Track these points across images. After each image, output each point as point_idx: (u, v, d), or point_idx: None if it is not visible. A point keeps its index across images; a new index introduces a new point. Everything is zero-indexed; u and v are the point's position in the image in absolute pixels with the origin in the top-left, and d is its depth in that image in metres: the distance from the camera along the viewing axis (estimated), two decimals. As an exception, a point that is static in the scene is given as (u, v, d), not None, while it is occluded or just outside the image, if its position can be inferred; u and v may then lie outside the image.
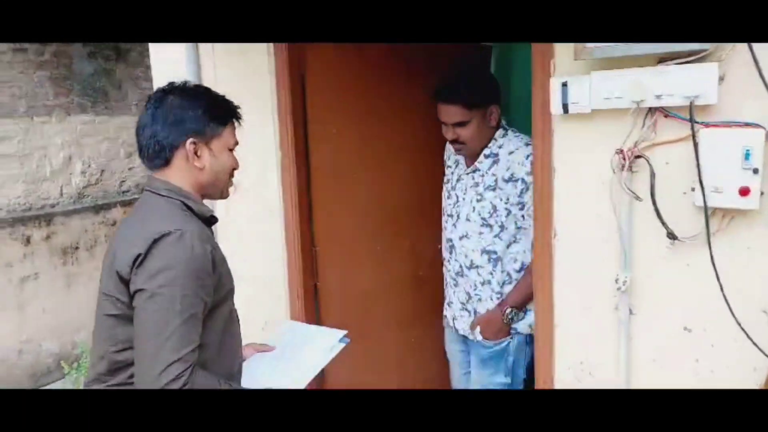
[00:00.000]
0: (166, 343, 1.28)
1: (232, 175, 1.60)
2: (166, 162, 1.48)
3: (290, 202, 2.38)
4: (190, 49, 2.48)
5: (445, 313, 2.43)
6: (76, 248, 4.33)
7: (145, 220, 1.42)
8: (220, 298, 1.45)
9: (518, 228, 2.14)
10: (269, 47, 2.34)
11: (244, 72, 2.44)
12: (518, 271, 2.18)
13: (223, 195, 1.61)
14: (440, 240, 2.78)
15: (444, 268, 2.36)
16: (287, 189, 2.38)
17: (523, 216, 2.12)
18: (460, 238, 2.21)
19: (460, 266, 2.23)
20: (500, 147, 2.15)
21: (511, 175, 2.11)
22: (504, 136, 2.17)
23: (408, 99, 2.59)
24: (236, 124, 1.59)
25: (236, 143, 1.59)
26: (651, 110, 1.72)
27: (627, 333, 1.85)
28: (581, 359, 1.95)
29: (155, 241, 1.33)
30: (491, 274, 2.18)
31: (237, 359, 1.57)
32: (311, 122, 2.40)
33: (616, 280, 1.83)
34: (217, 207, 2.54)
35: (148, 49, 4.73)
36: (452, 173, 2.28)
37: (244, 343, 1.68)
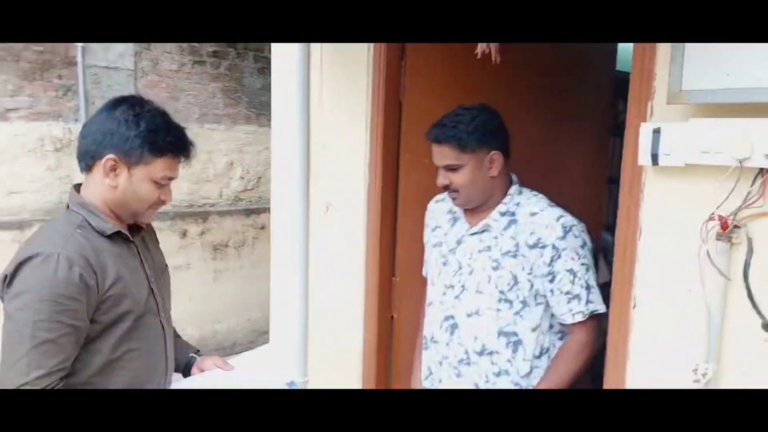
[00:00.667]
0: (15, 366, 1.28)
1: (153, 206, 1.49)
2: (88, 168, 1.45)
3: (373, 229, 2.34)
4: (301, 62, 2.53)
5: None
6: (226, 246, 4.71)
7: (32, 239, 1.44)
8: (110, 320, 1.40)
9: (540, 305, 1.76)
10: (368, 67, 2.31)
11: (346, 92, 2.45)
12: (538, 358, 1.78)
13: (137, 220, 1.51)
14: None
15: (429, 353, 1.91)
16: (372, 215, 2.34)
17: (552, 291, 1.74)
18: (468, 316, 1.79)
19: (466, 352, 1.80)
20: (518, 205, 1.79)
21: (537, 240, 1.73)
22: (520, 194, 1.82)
23: (519, 101, 2.39)
24: (180, 159, 1.49)
25: (169, 178, 1.47)
26: (762, 171, 1.40)
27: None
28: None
29: (20, 264, 1.33)
30: (510, 362, 1.76)
31: (141, 382, 1.48)
32: (404, 150, 2.33)
33: (695, 371, 1.51)
34: (312, 234, 2.59)
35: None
36: (445, 234, 1.89)
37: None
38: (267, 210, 4.85)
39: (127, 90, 4.18)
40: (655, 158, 1.55)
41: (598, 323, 1.76)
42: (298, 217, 2.61)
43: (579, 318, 1.74)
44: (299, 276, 2.66)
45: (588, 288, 1.73)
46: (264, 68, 4.79)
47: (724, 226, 1.44)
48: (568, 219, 1.74)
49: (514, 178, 1.86)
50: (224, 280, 4.74)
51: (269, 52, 4.83)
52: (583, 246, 1.74)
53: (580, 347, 1.76)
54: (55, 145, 3.92)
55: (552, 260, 1.72)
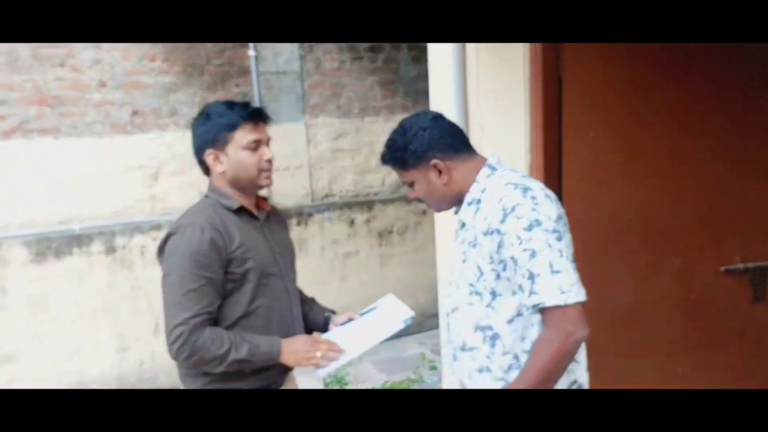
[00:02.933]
0: (170, 311, 1.65)
1: (263, 168, 1.77)
2: (206, 171, 1.81)
3: (538, 206, 2.34)
4: (458, 49, 2.61)
5: None
6: (390, 232, 4.91)
7: (179, 218, 1.77)
8: (238, 275, 1.71)
9: (515, 295, 1.53)
10: (525, 47, 2.32)
11: (500, 72, 2.48)
12: (525, 352, 1.57)
13: (259, 186, 1.80)
14: (724, 261, 2.41)
15: (442, 354, 1.84)
16: (537, 193, 2.35)
17: (509, 280, 1.52)
18: (453, 311, 1.68)
19: (454, 349, 1.69)
20: (483, 191, 1.61)
21: (488, 226, 1.54)
22: (489, 176, 1.62)
23: (685, 101, 2.30)
24: (255, 123, 1.76)
25: (256, 141, 1.75)
26: None
27: None
28: None
29: (168, 235, 1.72)
30: (489, 357, 1.60)
31: (272, 327, 1.77)
32: (566, 125, 2.30)
33: None
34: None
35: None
36: (456, 232, 1.77)
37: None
38: (428, 195, 4.99)
39: (296, 92, 4.51)
40: None
41: (560, 316, 1.45)
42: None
43: (529, 312, 1.50)
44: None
45: (531, 277, 1.45)
46: (419, 56, 4.91)
47: None
48: (512, 198, 1.50)
49: (492, 159, 1.67)
50: (390, 265, 4.95)
51: (422, 41, 4.97)
52: (529, 227, 1.46)
53: (541, 342, 1.49)
54: (237, 147, 4.35)
55: (498, 248, 1.51)
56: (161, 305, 1.70)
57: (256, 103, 4.26)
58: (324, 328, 1.97)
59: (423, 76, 4.97)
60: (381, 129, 4.85)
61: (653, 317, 2.41)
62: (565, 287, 1.44)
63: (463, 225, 1.66)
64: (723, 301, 2.43)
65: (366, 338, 1.86)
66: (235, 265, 1.70)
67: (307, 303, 2.00)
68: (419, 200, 1.72)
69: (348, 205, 4.73)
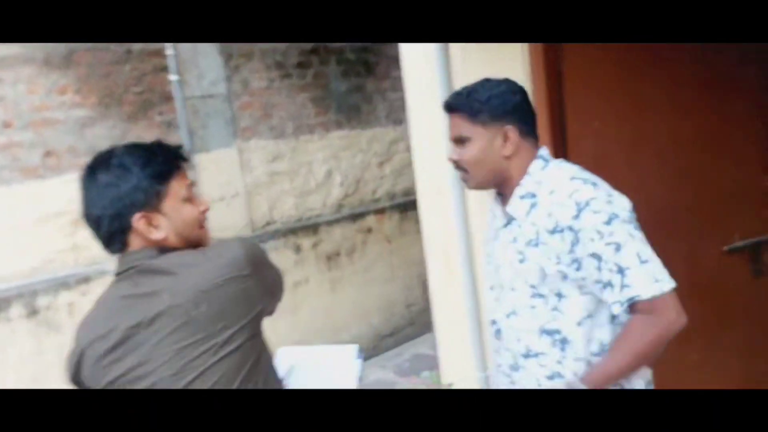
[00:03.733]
0: None
1: (201, 223, 1.37)
2: (124, 246, 1.32)
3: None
4: (439, 51, 2.48)
5: None
6: (338, 254, 4.68)
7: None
8: None
9: (587, 294, 1.46)
10: (523, 47, 2.24)
11: (495, 71, 2.37)
12: (598, 355, 1.49)
13: (199, 244, 1.37)
14: (726, 241, 2.42)
15: (495, 364, 1.71)
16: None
17: (584, 279, 1.44)
18: (507, 317, 1.56)
19: (514, 357, 1.57)
20: (539, 183, 1.52)
21: (556, 223, 1.44)
22: (544, 168, 1.53)
23: (681, 90, 2.31)
24: (181, 166, 1.36)
25: (189, 186, 1.35)
26: None
27: None
28: None
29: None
30: (560, 363, 1.50)
31: None
32: (570, 118, 2.24)
33: None
34: (471, 218, 2.53)
35: (392, 61, 4.99)
36: (492, 230, 1.66)
37: None
38: (371, 213, 4.82)
39: (225, 115, 4.20)
40: None
41: (662, 304, 1.40)
42: (455, 204, 2.55)
43: (617, 309, 1.42)
44: (462, 267, 2.59)
45: (621, 271, 1.39)
46: (347, 70, 4.76)
47: None
48: (584, 192, 1.43)
49: (543, 151, 1.57)
50: (341, 289, 4.72)
51: (350, 53, 4.81)
52: (608, 221, 1.39)
53: (639, 326, 1.42)
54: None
55: (572, 245, 1.42)
56: None
57: (182, 132, 3.92)
58: None
59: (353, 89, 4.83)
60: (317, 147, 4.63)
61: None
62: (658, 275, 1.40)
63: (510, 221, 1.55)
64: (727, 280, 2.44)
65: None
66: None
67: None
68: (457, 165, 1.56)
69: (292, 230, 4.46)
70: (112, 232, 1.30)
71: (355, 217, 4.74)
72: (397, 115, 5.03)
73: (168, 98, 3.98)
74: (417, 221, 5.06)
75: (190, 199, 1.36)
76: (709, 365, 2.42)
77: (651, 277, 1.39)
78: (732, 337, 2.46)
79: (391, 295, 4.97)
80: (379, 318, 4.92)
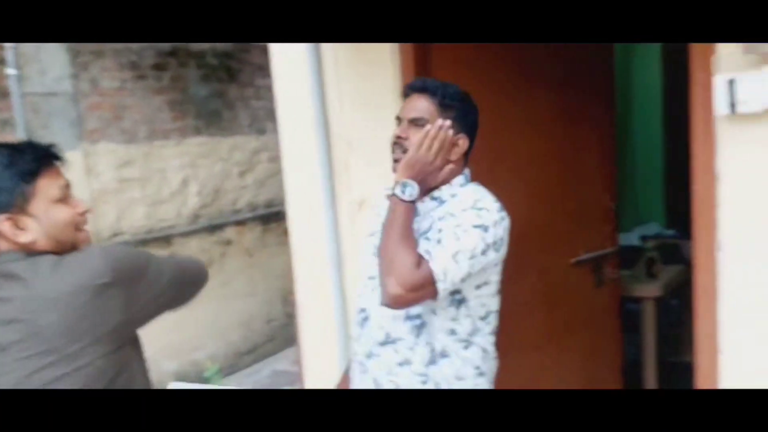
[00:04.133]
0: None
1: (78, 226, 1.32)
2: None
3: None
4: (312, 66, 2.47)
5: None
6: (194, 267, 4.47)
7: None
8: None
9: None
10: (393, 47, 2.28)
11: (366, 72, 2.41)
12: (442, 356, 1.56)
13: (76, 247, 1.31)
14: (573, 254, 2.64)
15: (352, 352, 1.75)
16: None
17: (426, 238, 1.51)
18: (380, 305, 1.54)
19: (371, 344, 1.61)
20: (453, 196, 1.59)
21: (445, 212, 1.54)
22: (463, 185, 1.61)
23: (537, 106, 2.47)
24: (53, 165, 1.29)
25: (63, 186, 1.29)
26: (838, 106, 1.52)
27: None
28: (754, 382, 1.75)
29: None
30: (412, 349, 1.55)
31: None
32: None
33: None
34: (343, 232, 2.53)
35: (257, 69, 4.89)
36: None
37: None
38: (231, 224, 4.66)
39: (70, 116, 3.85)
40: (732, 107, 1.65)
41: (421, 276, 1.42)
42: (326, 215, 2.54)
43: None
44: (332, 279, 2.58)
45: (439, 242, 1.46)
46: (208, 75, 4.58)
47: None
48: (486, 203, 1.53)
49: (466, 171, 1.66)
50: (197, 305, 4.46)
51: (212, 57, 4.63)
52: (478, 226, 1.48)
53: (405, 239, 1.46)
54: (1, 184, 3.55)
55: (440, 219, 1.53)
56: None
57: (20, 131, 3.55)
58: None
59: (214, 95, 4.66)
60: (172, 154, 4.39)
61: (522, 315, 2.52)
62: (449, 274, 1.43)
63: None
64: (574, 291, 2.66)
65: None
66: None
67: None
68: (400, 144, 1.57)
69: (142, 242, 4.17)
70: None
71: (213, 228, 4.55)
72: (260, 125, 4.92)
73: (4, 94, 3.57)
74: (279, 233, 4.98)
75: (63, 200, 1.28)
76: (559, 366, 2.62)
77: (445, 265, 1.42)
78: (578, 341, 2.68)
79: (250, 310, 4.82)
80: (238, 334, 4.76)
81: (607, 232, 2.71)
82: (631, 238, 3.92)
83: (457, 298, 1.55)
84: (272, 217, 4.93)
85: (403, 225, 1.48)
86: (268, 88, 4.94)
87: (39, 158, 1.26)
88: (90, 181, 3.90)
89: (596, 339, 2.75)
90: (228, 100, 4.75)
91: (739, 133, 1.68)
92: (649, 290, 3.17)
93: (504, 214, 1.56)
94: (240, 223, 4.71)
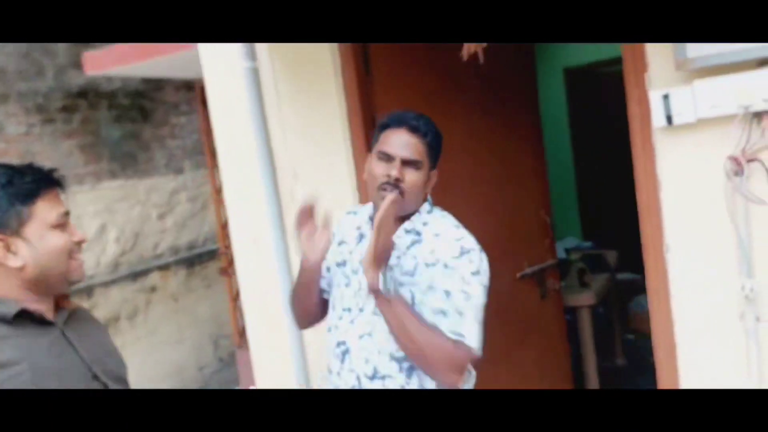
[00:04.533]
0: None
1: (73, 256, 1.27)
2: None
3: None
4: (253, 100, 2.45)
5: None
6: (117, 319, 4.21)
7: None
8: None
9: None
10: (333, 48, 2.30)
11: (309, 101, 2.41)
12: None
13: (71, 281, 1.28)
14: (518, 269, 2.73)
15: (327, 385, 1.73)
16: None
17: (423, 303, 1.53)
18: (360, 337, 1.58)
19: (357, 378, 1.58)
20: (425, 224, 1.61)
21: (436, 259, 1.54)
22: (429, 212, 1.65)
23: (481, 142, 2.58)
24: (54, 190, 1.26)
25: (62, 213, 1.26)
26: (757, 114, 1.70)
27: (757, 342, 1.79)
28: (710, 376, 1.88)
29: None
30: (403, 387, 1.56)
31: None
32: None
33: (743, 288, 1.77)
34: (293, 260, 2.49)
35: (171, 108, 4.75)
36: (350, 252, 1.67)
37: None
38: (153, 269, 4.45)
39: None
40: (669, 119, 1.80)
41: (463, 355, 1.49)
42: (275, 250, 2.50)
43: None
44: (285, 313, 2.53)
45: (460, 314, 1.50)
46: (120, 116, 4.39)
47: (743, 162, 1.72)
48: (470, 242, 1.57)
49: (428, 197, 1.68)
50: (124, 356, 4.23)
51: (123, 97, 4.45)
52: (475, 273, 1.53)
53: (437, 342, 1.48)
54: None
55: (436, 277, 1.53)
56: None
57: None
58: None
59: (128, 136, 4.48)
60: (87, 199, 4.15)
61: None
62: (476, 334, 1.53)
63: None
64: (522, 304, 2.75)
65: None
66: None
67: None
68: (396, 185, 1.53)
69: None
70: None
71: (136, 275, 4.33)
72: (177, 164, 4.77)
73: None
74: (204, 277, 4.82)
75: (61, 227, 1.24)
76: (514, 379, 2.69)
77: (476, 333, 1.52)
78: (530, 353, 2.77)
79: (180, 358, 4.60)
80: (169, 385, 4.51)
81: (547, 244, 2.84)
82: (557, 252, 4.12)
83: None
84: (195, 259, 4.76)
85: (406, 315, 1.48)
86: (183, 126, 4.87)
87: (39, 180, 1.23)
88: None
89: (546, 349, 2.86)
90: (143, 140, 4.58)
91: (676, 142, 1.83)
92: (584, 299, 3.33)
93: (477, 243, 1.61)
94: (163, 267, 4.51)
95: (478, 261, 1.55)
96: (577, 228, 5.04)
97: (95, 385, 1.29)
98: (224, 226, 3.65)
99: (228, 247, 3.57)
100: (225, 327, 4.74)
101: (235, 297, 3.67)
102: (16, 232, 1.19)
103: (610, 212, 5.09)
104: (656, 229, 1.91)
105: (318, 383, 2.51)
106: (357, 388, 1.58)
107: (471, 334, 1.50)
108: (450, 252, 1.53)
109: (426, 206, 1.65)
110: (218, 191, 3.70)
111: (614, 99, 4.90)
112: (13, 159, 3.75)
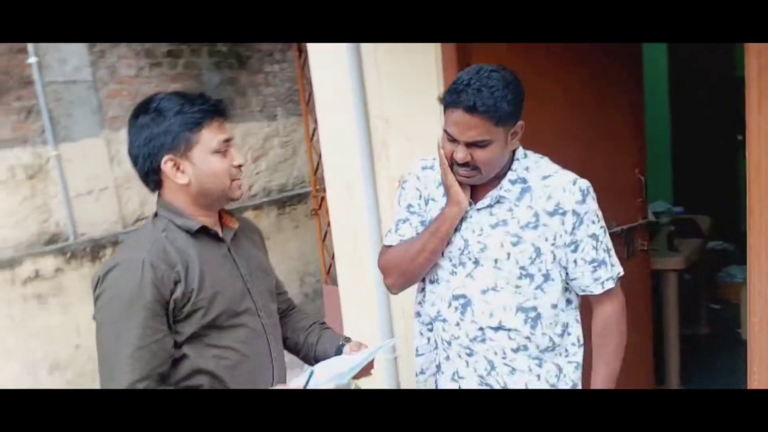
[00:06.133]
0: (112, 373, 1.32)
1: (233, 176, 1.44)
2: (158, 184, 1.43)
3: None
4: (351, 49, 2.51)
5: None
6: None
7: (119, 248, 1.47)
8: (200, 322, 1.38)
9: (560, 280, 1.59)
10: (436, 46, 2.34)
11: (406, 56, 2.45)
12: (560, 336, 1.63)
13: (230, 199, 1.47)
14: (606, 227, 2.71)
15: (423, 336, 1.75)
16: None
17: (575, 261, 1.57)
18: (483, 292, 1.59)
19: (480, 329, 1.60)
20: (527, 170, 1.59)
21: (557, 205, 1.54)
22: (526, 156, 1.62)
23: (578, 96, 2.54)
24: (220, 119, 1.42)
25: (224, 141, 1.41)
26: None
27: None
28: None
29: (106, 273, 1.35)
30: (528, 338, 1.59)
31: (240, 379, 1.44)
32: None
33: None
34: (382, 205, 2.59)
35: (266, 56, 4.91)
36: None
37: None
38: (248, 208, 4.68)
39: (91, 103, 3.86)
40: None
41: (620, 285, 1.66)
42: (366, 198, 2.60)
43: (609, 285, 1.60)
44: (373, 256, 2.65)
45: (608, 251, 1.60)
46: (219, 62, 4.59)
47: None
48: (584, 181, 1.59)
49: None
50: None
51: (223, 45, 4.64)
52: (598, 209, 1.60)
53: (619, 318, 1.66)
54: (27, 172, 3.55)
55: (574, 227, 1.54)
56: None
57: (45, 120, 3.56)
58: None
59: (226, 82, 4.67)
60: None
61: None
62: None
63: (494, 204, 1.57)
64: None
65: (349, 370, 1.54)
66: (197, 309, 1.37)
67: (313, 332, 1.68)
68: (467, 165, 1.49)
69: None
70: (146, 170, 1.41)
71: (232, 213, 4.59)
72: (271, 110, 4.94)
73: (27, 83, 3.57)
74: (293, 218, 5.04)
75: (223, 153, 1.42)
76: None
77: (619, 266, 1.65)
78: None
79: (269, 292, 4.88)
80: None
81: (638, 204, 2.80)
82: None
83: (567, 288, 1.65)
84: (286, 201, 4.97)
85: (613, 375, 1.65)
86: (276, 74, 5.02)
87: (205, 111, 1.39)
88: (113, 168, 3.91)
89: (629, 309, 2.84)
90: (239, 86, 4.76)
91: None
92: (672, 263, 3.27)
93: None
94: (256, 207, 4.75)
95: (595, 194, 1.61)
96: (669, 192, 4.89)
97: (245, 302, 1.47)
98: (315, 170, 3.78)
99: (319, 190, 3.71)
100: (310, 265, 4.96)
101: (324, 237, 3.83)
102: (184, 155, 1.38)
103: (705, 178, 4.90)
104: (764, 190, 1.85)
105: (397, 322, 2.63)
106: (480, 338, 1.61)
107: (617, 261, 1.64)
108: (572, 198, 1.55)
109: (520, 151, 1.62)
110: (311, 137, 3.82)
111: (717, 58, 4.69)
112: (126, 100, 4.03)
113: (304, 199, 4.98)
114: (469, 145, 1.48)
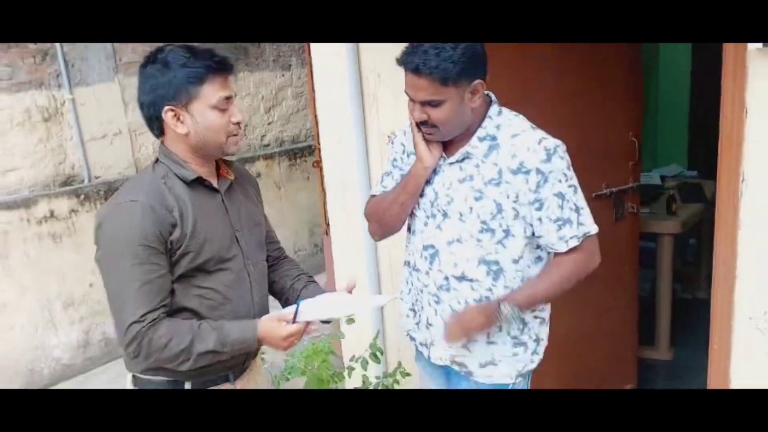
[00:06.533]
0: (123, 307, 1.42)
1: (230, 132, 1.49)
2: (161, 131, 1.50)
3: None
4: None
5: (412, 338, 1.86)
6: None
7: (119, 190, 1.52)
8: (189, 264, 1.47)
9: (525, 237, 1.61)
10: None
11: None
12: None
13: (226, 153, 1.52)
14: (595, 188, 2.70)
15: (408, 284, 1.83)
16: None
17: (540, 219, 1.59)
18: (449, 243, 1.65)
19: (446, 278, 1.67)
20: (498, 128, 1.61)
21: (520, 164, 1.56)
22: (500, 114, 1.64)
23: (573, 53, 2.49)
24: (223, 76, 1.46)
25: (226, 98, 1.46)
26: None
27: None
28: (765, 309, 1.87)
29: (107, 213, 1.46)
30: (490, 290, 1.64)
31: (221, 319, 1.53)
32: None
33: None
34: (372, 158, 2.63)
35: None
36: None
37: None
38: (260, 158, 4.75)
39: (105, 48, 3.93)
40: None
41: (592, 244, 1.65)
42: (357, 150, 2.64)
43: (573, 243, 1.60)
44: (362, 207, 2.70)
45: (577, 210, 1.60)
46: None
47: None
48: (551, 141, 1.59)
49: (493, 97, 1.66)
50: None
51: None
52: (569, 167, 1.60)
53: (576, 268, 1.64)
54: (42, 114, 3.67)
55: (538, 186, 1.56)
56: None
57: (60, 63, 3.65)
58: None
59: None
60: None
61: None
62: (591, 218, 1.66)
63: (462, 159, 1.62)
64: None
65: (340, 307, 1.65)
66: (187, 253, 1.46)
67: (300, 280, 1.76)
68: (425, 124, 1.56)
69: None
70: (149, 117, 1.49)
71: (245, 161, 4.67)
72: (285, 60, 4.96)
73: (41, 25, 3.66)
74: (304, 169, 5.10)
75: (222, 109, 1.46)
76: (579, 297, 2.72)
77: (591, 218, 1.65)
78: (597, 272, 2.79)
79: (281, 240, 4.99)
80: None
81: (630, 167, 2.78)
82: (651, 178, 4.00)
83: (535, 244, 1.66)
84: (297, 152, 5.04)
85: (539, 292, 1.65)
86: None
87: (209, 67, 1.43)
88: (127, 113, 4.01)
89: (615, 271, 2.86)
90: (254, 35, 4.78)
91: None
92: (668, 227, 3.26)
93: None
94: (268, 157, 4.83)
95: (565, 154, 1.59)
96: (684, 156, 4.80)
97: (233, 250, 1.55)
98: (318, 122, 3.81)
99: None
100: (320, 216, 5.05)
101: (325, 189, 3.88)
102: (184, 107, 1.44)
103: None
104: (735, 158, 1.85)
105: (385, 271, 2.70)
106: (446, 287, 1.68)
107: (590, 220, 1.64)
108: (536, 157, 1.55)
109: (494, 109, 1.64)
110: (314, 89, 3.84)
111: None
112: (139, 45, 4.08)
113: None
114: (423, 104, 1.53)
